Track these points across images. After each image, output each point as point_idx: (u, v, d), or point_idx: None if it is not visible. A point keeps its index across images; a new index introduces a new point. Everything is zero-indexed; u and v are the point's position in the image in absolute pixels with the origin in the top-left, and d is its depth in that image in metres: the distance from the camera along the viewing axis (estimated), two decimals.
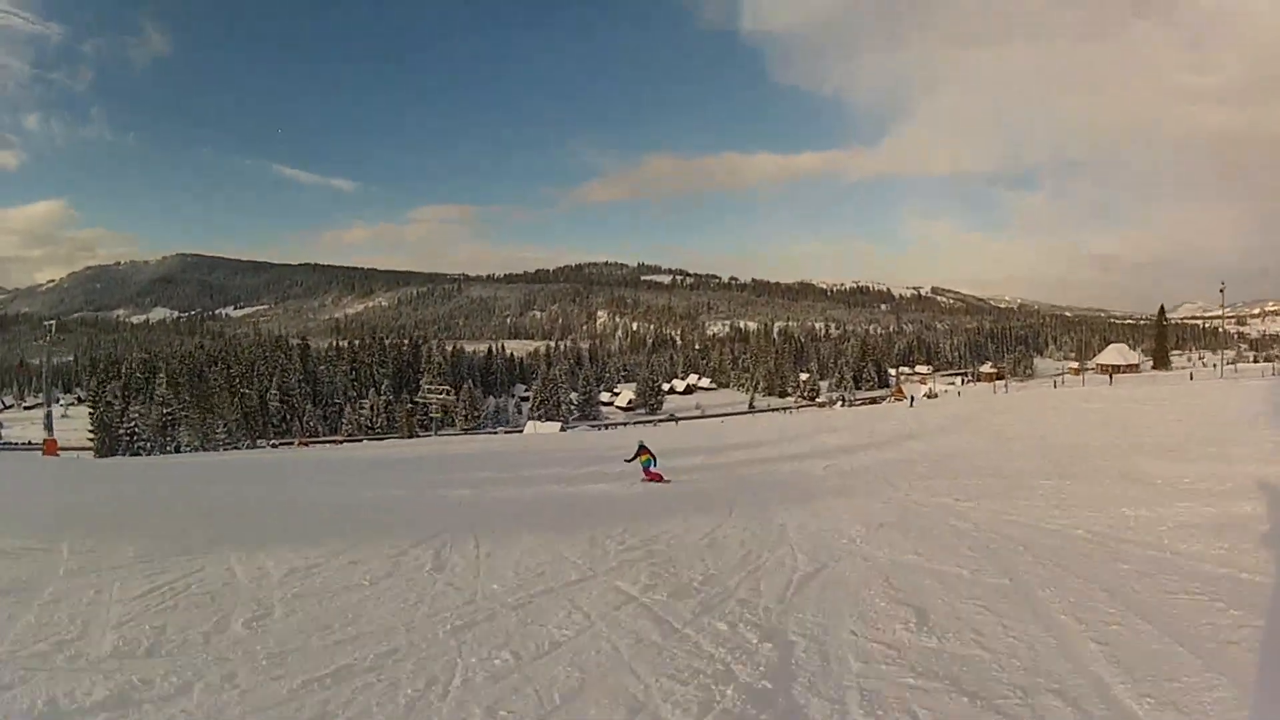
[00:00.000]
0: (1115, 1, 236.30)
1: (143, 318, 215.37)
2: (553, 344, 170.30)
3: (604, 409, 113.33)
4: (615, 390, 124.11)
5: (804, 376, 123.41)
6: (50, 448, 36.76)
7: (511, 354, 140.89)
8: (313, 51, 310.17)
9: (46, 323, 52.40)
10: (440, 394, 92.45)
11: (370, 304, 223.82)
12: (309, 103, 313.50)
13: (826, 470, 15.87)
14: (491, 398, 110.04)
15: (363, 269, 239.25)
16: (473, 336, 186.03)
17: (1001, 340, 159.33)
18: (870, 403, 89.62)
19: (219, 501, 13.21)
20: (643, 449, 15.02)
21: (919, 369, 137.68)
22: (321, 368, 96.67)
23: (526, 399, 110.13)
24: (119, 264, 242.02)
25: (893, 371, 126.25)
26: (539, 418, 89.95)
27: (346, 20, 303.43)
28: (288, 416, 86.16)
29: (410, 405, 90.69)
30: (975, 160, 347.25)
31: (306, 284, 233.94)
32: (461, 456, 27.46)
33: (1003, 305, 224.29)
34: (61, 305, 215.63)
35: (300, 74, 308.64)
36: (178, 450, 66.77)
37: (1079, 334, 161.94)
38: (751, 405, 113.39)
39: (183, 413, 73.07)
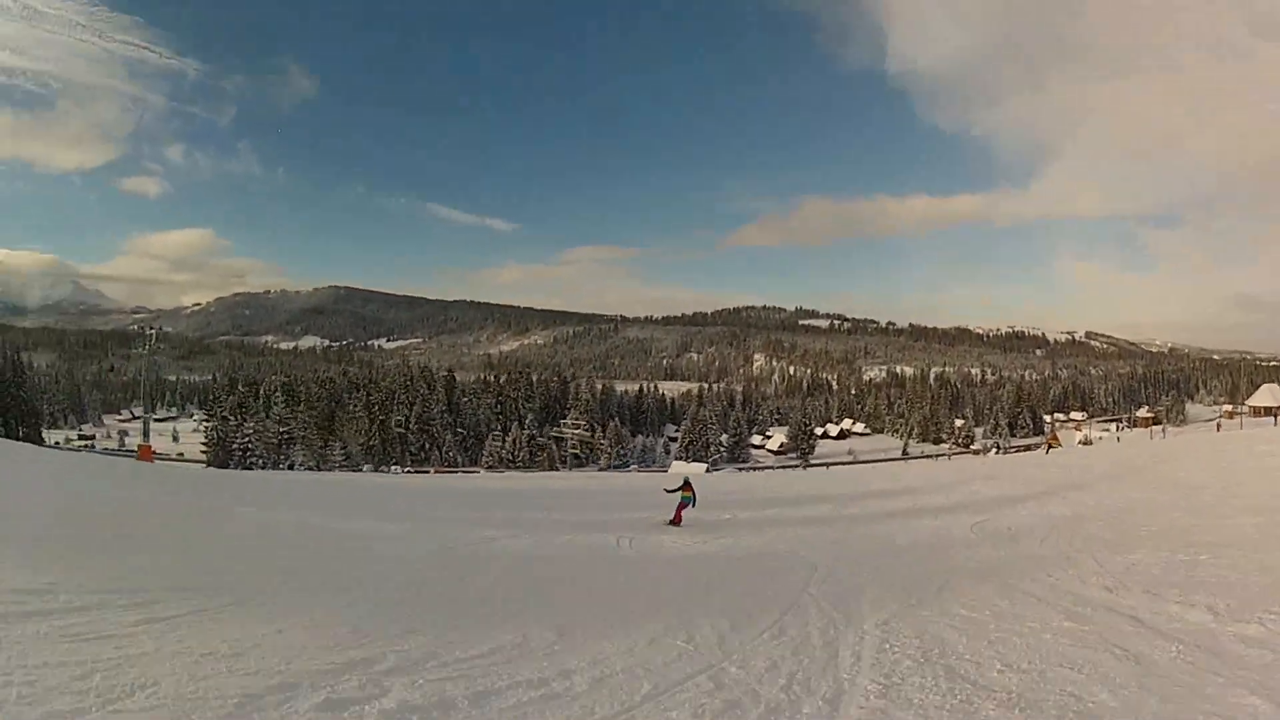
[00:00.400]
0: (1242, 28, 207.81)
1: (291, 345, 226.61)
2: (706, 386, 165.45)
3: (754, 452, 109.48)
4: (767, 434, 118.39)
5: (959, 423, 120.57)
6: (145, 453, 37.49)
7: (664, 394, 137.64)
8: (467, 97, 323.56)
9: (149, 331, 51.18)
10: (577, 430, 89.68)
11: (526, 341, 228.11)
12: (463, 146, 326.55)
13: (976, 531, 12.92)
14: (640, 436, 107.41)
15: (518, 307, 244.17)
16: (628, 376, 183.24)
17: (1155, 385, 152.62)
18: (1025, 449, 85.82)
19: (135, 508, 13.04)
20: (686, 485, 15.22)
21: (1073, 415, 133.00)
22: (465, 399, 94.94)
23: (675, 439, 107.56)
24: (269, 292, 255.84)
25: (1047, 418, 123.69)
26: (685, 458, 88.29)
27: (501, 67, 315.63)
28: (426, 445, 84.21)
29: (543, 440, 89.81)
30: (1120, 200, 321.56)
31: (461, 320, 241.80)
32: (557, 491, 27.11)
33: (1154, 349, 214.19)
34: (207, 328, 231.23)
35: (454, 118, 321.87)
36: (290, 468, 66.00)
37: (1226, 377, 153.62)
38: (905, 451, 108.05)
39: (300, 432, 72.62)
